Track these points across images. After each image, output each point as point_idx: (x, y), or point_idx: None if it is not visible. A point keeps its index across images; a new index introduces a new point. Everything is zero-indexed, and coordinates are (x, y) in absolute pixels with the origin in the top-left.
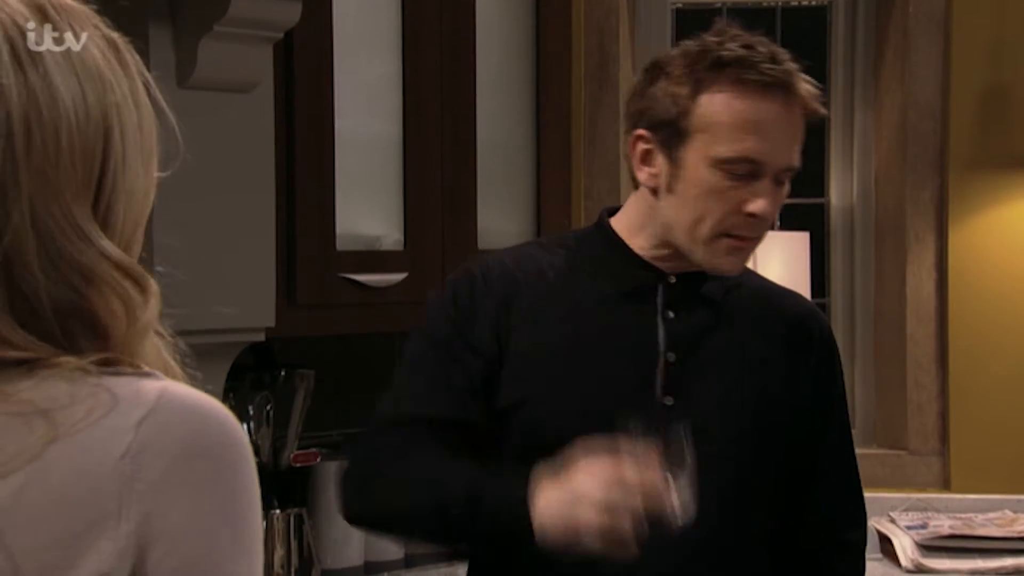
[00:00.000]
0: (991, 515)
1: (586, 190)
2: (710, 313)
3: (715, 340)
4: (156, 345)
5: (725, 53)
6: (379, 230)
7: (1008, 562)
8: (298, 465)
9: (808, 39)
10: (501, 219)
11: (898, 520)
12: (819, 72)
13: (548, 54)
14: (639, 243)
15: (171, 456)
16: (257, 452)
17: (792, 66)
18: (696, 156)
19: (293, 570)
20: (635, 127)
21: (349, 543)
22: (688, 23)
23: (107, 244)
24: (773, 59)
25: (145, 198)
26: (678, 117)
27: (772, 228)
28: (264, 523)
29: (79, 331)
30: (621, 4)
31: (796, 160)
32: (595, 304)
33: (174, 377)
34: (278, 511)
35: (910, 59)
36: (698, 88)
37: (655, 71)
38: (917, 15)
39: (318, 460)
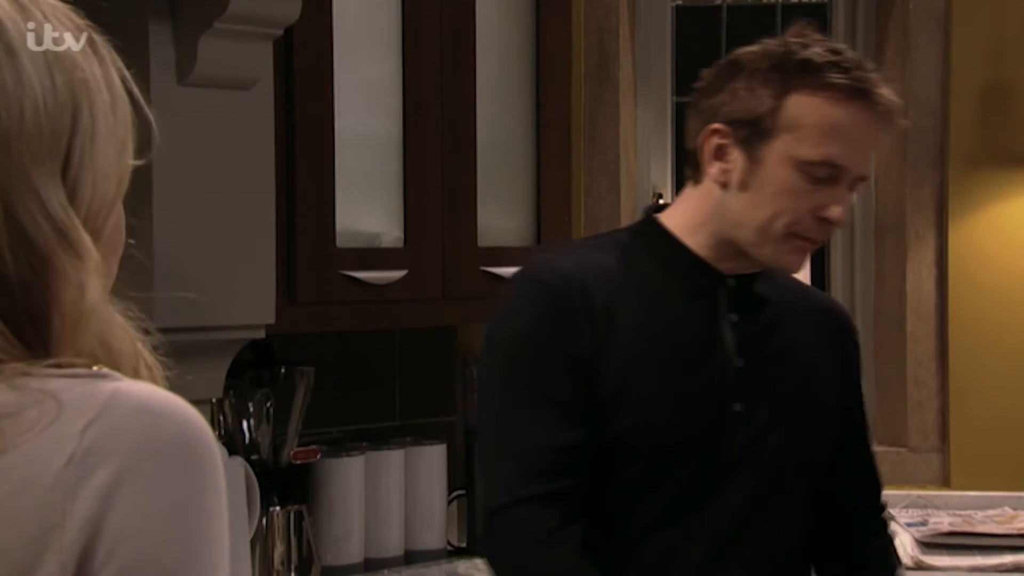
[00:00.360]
0: (991, 512)
1: (586, 188)
2: (766, 314)
3: (775, 341)
4: (127, 332)
5: (815, 56)
6: (379, 227)
7: (1008, 559)
8: (298, 462)
9: None
10: (501, 217)
11: (898, 517)
12: None
13: (548, 53)
14: (697, 242)
15: (118, 458)
16: (257, 449)
17: (878, 75)
18: (778, 155)
19: (293, 567)
20: (710, 121)
21: (349, 540)
22: (688, 21)
23: (64, 214)
24: (861, 66)
25: (118, 183)
26: (763, 116)
27: None
28: (264, 521)
29: (40, 319)
30: (621, 2)
31: (869, 170)
32: (663, 307)
33: (142, 370)
34: (278, 508)
35: (910, 56)
36: (786, 88)
37: (734, 67)
38: (917, 12)
39: (318, 457)
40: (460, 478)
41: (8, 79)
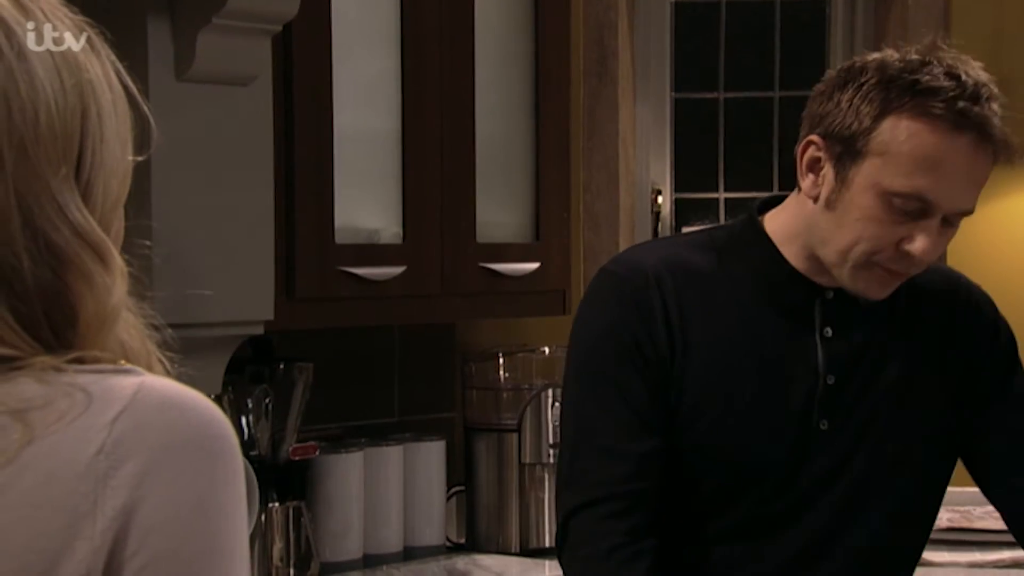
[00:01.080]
0: (989, 508)
1: (585, 184)
2: (866, 328)
3: (872, 358)
4: (139, 331)
5: (924, 78)
6: (378, 223)
7: (1006, 555)
8: (297, 458)
9: (807, 33)
10: (500, 213)
11: None
12: (818, 66)
13: (547, 49)
14: (793, 252)
15: (147, 450)
16: (255, 445)
17: (994, 108)
18: (865, 180)
19: (292, 563)
20: (811, 130)
21: (348, 536)
22: (687, 18)
23: (82, 218)
24: (975, 96)
25: (123, 180)
26: (858, 135)
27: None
28: (263, 516)
29: (61, 320)
30: None
31: (973, 204)
32: (752, 318)
33: (155, 366)
34: (277, 504)
35: None
36: (885, 109)
37: (848, 75)
38: (916, 8)
39: (317, 453)
40: (459, 474)
41: (22, 84)
